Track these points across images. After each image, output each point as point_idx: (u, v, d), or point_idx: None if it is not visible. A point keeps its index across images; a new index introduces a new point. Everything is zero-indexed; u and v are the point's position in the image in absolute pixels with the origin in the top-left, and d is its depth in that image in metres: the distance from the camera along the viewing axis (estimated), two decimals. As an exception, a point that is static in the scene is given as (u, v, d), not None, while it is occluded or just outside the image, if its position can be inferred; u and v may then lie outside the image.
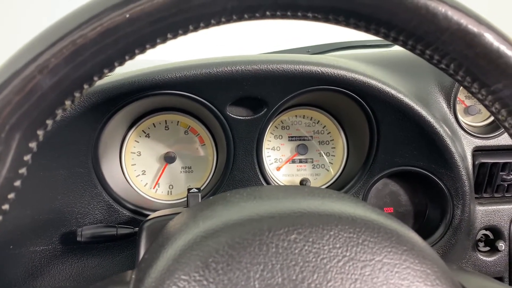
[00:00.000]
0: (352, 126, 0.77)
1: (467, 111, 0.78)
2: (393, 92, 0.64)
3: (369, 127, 0.70)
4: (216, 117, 0.65)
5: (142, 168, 0.75)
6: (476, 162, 0.73)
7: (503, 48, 0.36)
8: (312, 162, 0.81)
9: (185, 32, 0.33)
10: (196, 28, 0.34)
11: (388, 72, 0.73)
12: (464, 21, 0.35)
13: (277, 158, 0.81)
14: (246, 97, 0.65)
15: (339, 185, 0.78)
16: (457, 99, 0.76)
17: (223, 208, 0.36)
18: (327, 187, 0.79)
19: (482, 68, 0.36)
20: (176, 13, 0.32)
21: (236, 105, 0.67)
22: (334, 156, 0.81)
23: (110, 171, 0.66)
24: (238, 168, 0.70)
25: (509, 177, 0.74)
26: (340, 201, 0.37)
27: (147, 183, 0.75)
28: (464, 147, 0.72)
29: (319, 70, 0.61)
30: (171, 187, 0.77)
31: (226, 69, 0.58)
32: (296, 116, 0.81)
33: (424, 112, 0.66)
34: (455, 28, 0.35)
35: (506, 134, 0.74)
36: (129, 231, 0.59)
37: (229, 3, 0.32)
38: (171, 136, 0.77)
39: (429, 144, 0.68)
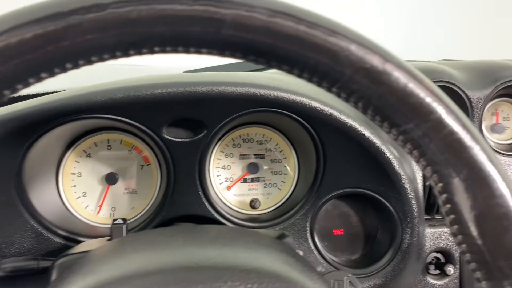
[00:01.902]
0: (301, 145, 0.75)
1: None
2: (335, 114, 0.62)
3: (315, 148, 0.68)
4: (152, 139, 0.62)
5: (83, 190, 0.72)
6: (427, 183, 0.71)
7: (411, 86, 0.34)
8: (264, 181, 0.79)
9: (64, 70, 0.31)
10: (76, 66, 0.31)
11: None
12: (368, 58, 0.33)
13: (228, 177, 0.78)
14: (185, 119, 0.62)
15: (289, 206, 0.75)
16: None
17: (113, 260, 0.33)
18: (277, 207, 0.77)
19: (390, 107, 0.34)
20: (48, 52, 0.29)
21: (176, 126, 0.64)
22: (287, 174, 0.79)
23: (42, 196, 0.63)
24: (179, 191, 0.67)
25: (460, 198, 0.72)
26: (243, 249, 0.34)
27: (88, 205, 0.72)
28: (413, 168, 0.70)
29: (257, 93, 0.59)
30: (113, 209, 0.73)
31: (156, 92, 0.55)
32: (247, 133, 0.78)
33: (369, 134, 0.64)
34: (358, 66, 0.33)
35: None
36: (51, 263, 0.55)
37: (109, 40, 0.30)
38: (114, 155, 0.73)
39: (376, 166, 0.66)
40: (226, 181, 0.78)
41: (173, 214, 0.68)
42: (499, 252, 0.34)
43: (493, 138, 0.77)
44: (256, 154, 0.79)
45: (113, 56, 0.32)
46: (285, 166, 0.79)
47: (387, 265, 0.68)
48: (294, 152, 0.77)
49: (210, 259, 0.31)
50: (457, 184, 0.34)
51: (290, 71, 0.34)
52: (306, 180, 0.74)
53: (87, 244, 0.53)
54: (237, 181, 0.78)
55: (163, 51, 0.32)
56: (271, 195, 0.79)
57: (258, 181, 0.79)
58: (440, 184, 0.35)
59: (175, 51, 0.32)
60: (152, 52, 0.32)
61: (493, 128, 0.77)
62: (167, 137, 0.62)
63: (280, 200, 0.77)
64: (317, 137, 0.66)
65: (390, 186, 0.67)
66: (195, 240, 0.36)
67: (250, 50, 0.31)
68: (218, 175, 0.78)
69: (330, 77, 0.33)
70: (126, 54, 0.31)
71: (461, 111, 0.36)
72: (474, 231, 0.34)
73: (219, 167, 0.78)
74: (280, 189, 0.79)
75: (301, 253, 0.52)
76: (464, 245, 0.34)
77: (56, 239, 0.62)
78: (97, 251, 0.38)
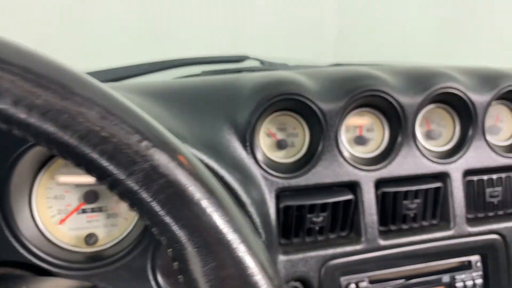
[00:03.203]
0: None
1: (279, 144, 0.70)
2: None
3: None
4: None
5: None
6: (281, 205, 0.65)
7: (106, 127, 0.26)
8: (107, 210, 0.68)
9: None
10: None
11: (176, 112, 0.62)
12: (35, 90, 0.24)
13: (61, 209, 0.67)
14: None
15: (131, 238, 0.66)
16: (267, 133, 0.68)
17: None
18: (119, 242, 0.67)
19: (85, 156, 0.26)
20: None
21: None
22: (135, 201, 0.69)
23: None
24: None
25: (318, 219, 0.67)
26: None
27: None
28: (263, 191, 0.64)
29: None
30: None
31: None
32: (85, 156, 0.67)
33: (205, 158, 0.56)
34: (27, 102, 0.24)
35: (311, 173, 0.66)
36: None
37: None
38: None
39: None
40: (60, 213, 0.66)
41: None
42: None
43: (356, 152, 0.73)
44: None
45: None
46: (133, 192, 0.69)
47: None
48: (139, 176, 0.68)
49: None
50: (186, 250, 0.26)
51: None
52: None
53: None
54: (70, 214, 0.67)
55: None
56: (116, 226, 0.68)
57: (100, 211, 0.68)
58: (170, 250, 0.27)
59: None
60: None
61: (357, 141, 0.73)
62: None
63: (123, 233, 0.68)
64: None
65: (235, 214, 0.60)
66: None
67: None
68: (49, 207, 0.66)
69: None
70: None
71: (187, 154, 0.29)
72: None
73: (50, 198, 0.66)
74: (127, 219, 0.69)
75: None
76: None
77: None
78: None
